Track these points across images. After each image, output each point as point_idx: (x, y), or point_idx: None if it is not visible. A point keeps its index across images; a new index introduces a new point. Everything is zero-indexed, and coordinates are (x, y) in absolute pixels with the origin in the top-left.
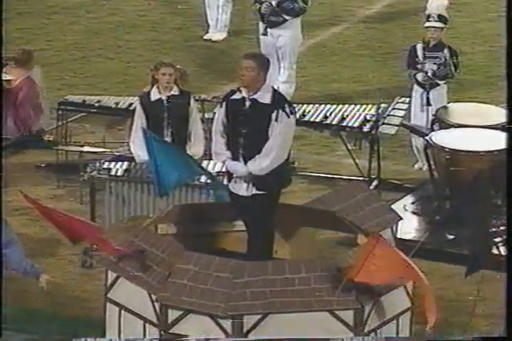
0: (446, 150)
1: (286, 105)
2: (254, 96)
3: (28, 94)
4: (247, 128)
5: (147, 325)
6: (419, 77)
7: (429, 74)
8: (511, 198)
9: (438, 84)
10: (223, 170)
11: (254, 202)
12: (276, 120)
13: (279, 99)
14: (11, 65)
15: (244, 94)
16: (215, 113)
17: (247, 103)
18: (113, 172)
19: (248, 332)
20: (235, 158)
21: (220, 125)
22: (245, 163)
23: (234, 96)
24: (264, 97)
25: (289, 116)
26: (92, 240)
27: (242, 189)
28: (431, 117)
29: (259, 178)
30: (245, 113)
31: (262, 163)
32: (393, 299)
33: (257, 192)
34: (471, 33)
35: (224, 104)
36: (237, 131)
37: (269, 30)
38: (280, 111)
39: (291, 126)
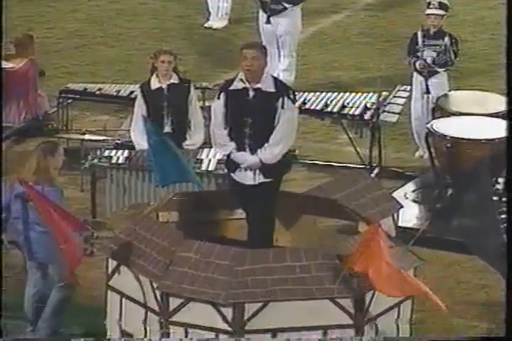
0: (447, 138)
1: (290, 92)
2: (258, 86)
3: (34, 76)
4: (252, 118)
5: (148, 312)
6: (418, 64)
7: (428, 61)
8: (511, 186)
9: (437, 72)
10: (224, 158)
11: (259, 190)
12: (282, 107)
13: (282, 87)
14: (12, 50)
15: (246, 84)
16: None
17: (251, 93)
18: (114, 160)
19: (249, 320)
20: (240, 149)
21: (220, 117)
22: (251, 152)
23: (234, 87)
24: (268, 86)
25: (294, 103)
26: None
27: (248, 178)
28: (430, 105)
29: (266, 166)
30: (250, 103)
31: (273, 151)
32: None
33: (265, 180)
34: (472, 21)
35: (223, 95)
36: (241, 121)
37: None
38: (286, 99)
39: (296, 113)
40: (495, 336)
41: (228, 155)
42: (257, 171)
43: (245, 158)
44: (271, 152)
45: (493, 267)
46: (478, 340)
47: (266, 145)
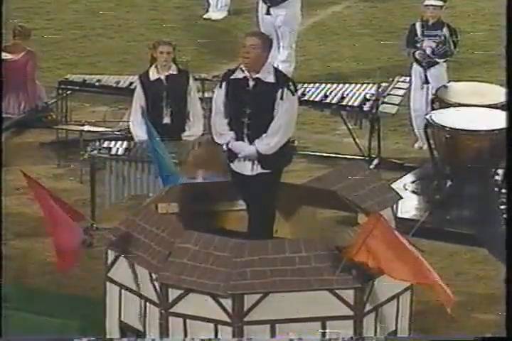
0: (447, 129)
1: (290, 83)
2: (258, 76)
3: (33, 67)
4: (251, 108)
5: (148, 304)
6: (417, 54)
7: (428, 51)
8: (511, 177)
9: (436, 62)
10: (225, 149)
11: (258, 181)
12: (281, 98)
13: (282, 78)
14: (11, 41)
15: (246, 73)
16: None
17: (251, 83)
18: (113, 152)
19: (248, 311)
20: (239, 138)
21: (221, 106)
22: (250, 142)
23: (235, 76)
24: (268, 76)
25: (293, 94)
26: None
27: (247, 168)
28: (430, 95)
29: (264, 157)
30: (249, 93)
31: (270, 142)
32: None
33: (262, 171)
34: (471, 12)
35: (224, 84)
36: (240, 111)
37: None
38: (285, 90)
39: (295, 104)
40: (495, 336)
41: (227, 145)
42: (255, 162)
43: (242, 147)
44: (268, 143)
45: (494, 255)
46: (478, 340)
47: (263, 135)
